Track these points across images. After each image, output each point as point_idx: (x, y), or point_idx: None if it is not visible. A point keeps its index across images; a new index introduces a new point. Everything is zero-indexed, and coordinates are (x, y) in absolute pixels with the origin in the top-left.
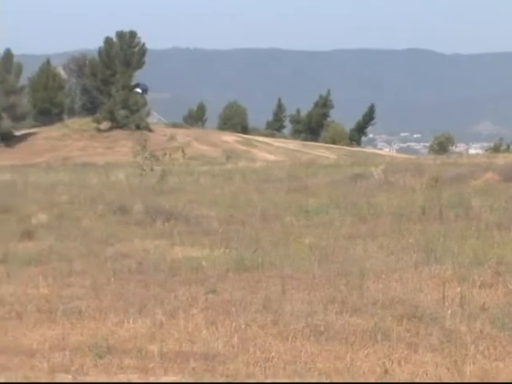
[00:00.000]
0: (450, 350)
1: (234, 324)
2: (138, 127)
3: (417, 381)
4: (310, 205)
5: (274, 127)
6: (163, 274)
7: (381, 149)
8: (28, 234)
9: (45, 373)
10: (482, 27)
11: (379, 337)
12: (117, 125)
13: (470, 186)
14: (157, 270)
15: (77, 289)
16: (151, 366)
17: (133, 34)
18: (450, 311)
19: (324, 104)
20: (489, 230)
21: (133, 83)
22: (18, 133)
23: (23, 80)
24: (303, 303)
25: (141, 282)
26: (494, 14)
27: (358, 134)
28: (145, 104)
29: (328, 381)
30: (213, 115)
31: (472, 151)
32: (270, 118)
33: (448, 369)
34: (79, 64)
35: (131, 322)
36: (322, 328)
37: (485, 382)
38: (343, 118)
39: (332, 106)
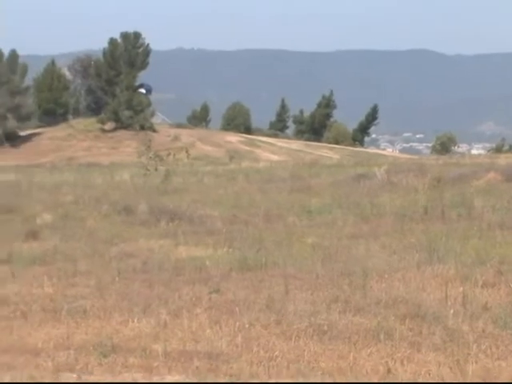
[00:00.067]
0: (453, 350)
1: (237, 323)
2: (142, 127)
3: (419, 380)
4: (313, 205)
5: (278, 127)
6: (167, 273)
7: (384, 149)
8: (33, 234)
9: (49, 372)
10: (484, 28)
11: (382, 336)
12: (121, 125)
13: (472, 186)
14: (161, 270)
15: (81, 288)
16: (155, 364)
17: (137, 35)
18: (452, 310)
19: (327, 104)
20: (491, 229)
21: (137, 84)
22: (23, 133)
23: (28, 80)
24: (306, 303)
25: (145, 282)
26: (496, 14)
27: (360, 134)
28: (149, 104)
29: (331, 380)
30: (216, 116)
31: (474, 151)
32: (273, 118)
33: (450, 368)
34: (84, 65)
35: (136, 321)
36: (325, 327)
37: (487, 381)
38: (346, 118)
39: (335, 107)
